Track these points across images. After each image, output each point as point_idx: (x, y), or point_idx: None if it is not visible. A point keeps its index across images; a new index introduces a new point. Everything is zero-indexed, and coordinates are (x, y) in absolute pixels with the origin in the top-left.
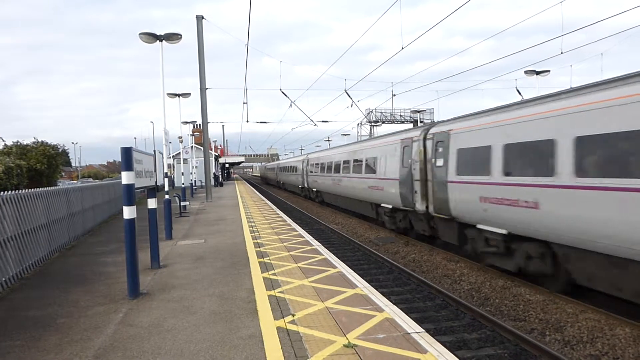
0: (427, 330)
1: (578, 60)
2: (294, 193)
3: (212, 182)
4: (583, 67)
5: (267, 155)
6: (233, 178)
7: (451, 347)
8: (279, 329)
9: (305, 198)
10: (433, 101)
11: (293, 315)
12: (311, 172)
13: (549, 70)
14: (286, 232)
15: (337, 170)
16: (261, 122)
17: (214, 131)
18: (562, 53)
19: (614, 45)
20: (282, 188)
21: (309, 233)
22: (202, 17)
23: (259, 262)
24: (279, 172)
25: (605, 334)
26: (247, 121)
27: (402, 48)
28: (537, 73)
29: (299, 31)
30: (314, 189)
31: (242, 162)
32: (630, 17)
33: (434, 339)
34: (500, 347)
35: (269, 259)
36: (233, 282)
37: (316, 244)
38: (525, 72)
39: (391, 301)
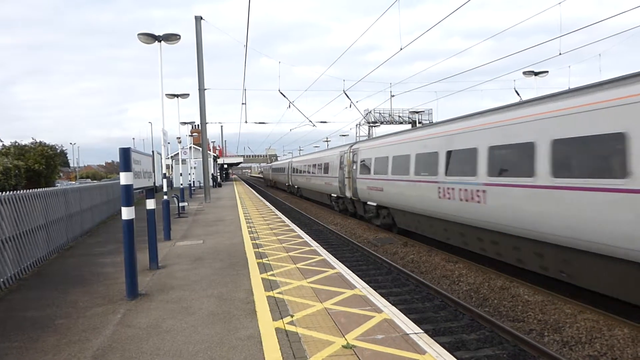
0: (426, 331)
1: (577, 60)
2: (319, 204)
3: (211, 183)
4: (581, 68)
5: (266, 155)
6: (232, 179)
7: (450, 348)
8: (277, 329)
9: (342, 213)
10: (432, 102)
11: (292, 316)
12: (366, 172)
13: (547, 71)
14: (284, 232)
15: (469, 169)
16: (260, 123)
17: (212, 132)
18: (560, 54)
19: (612, 46)
20: (296, 195)
21: (307, 234)
22: (201, 18)
23: (258, 263)
24: (292, 173)
25: (604, 334)
26: (246, 122)
27: (401, 49)
28: (536, 74)
29: (298, 31)
30: (372, 203)
31: (241, 162)
32: (630, 17)
33: (432, 340)
34: (499, 348)
35: (268, 260)
36: (232, 283)
37: (315, 245)
38: (524, 73)
39: (390, 302)
